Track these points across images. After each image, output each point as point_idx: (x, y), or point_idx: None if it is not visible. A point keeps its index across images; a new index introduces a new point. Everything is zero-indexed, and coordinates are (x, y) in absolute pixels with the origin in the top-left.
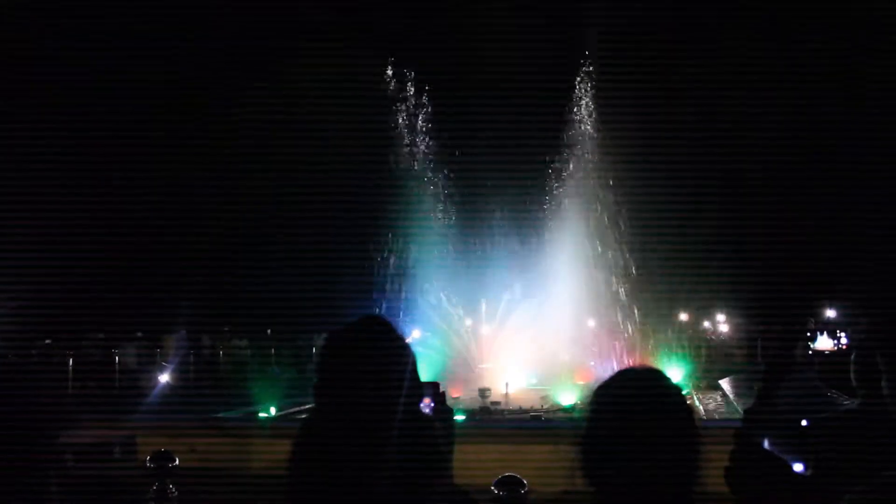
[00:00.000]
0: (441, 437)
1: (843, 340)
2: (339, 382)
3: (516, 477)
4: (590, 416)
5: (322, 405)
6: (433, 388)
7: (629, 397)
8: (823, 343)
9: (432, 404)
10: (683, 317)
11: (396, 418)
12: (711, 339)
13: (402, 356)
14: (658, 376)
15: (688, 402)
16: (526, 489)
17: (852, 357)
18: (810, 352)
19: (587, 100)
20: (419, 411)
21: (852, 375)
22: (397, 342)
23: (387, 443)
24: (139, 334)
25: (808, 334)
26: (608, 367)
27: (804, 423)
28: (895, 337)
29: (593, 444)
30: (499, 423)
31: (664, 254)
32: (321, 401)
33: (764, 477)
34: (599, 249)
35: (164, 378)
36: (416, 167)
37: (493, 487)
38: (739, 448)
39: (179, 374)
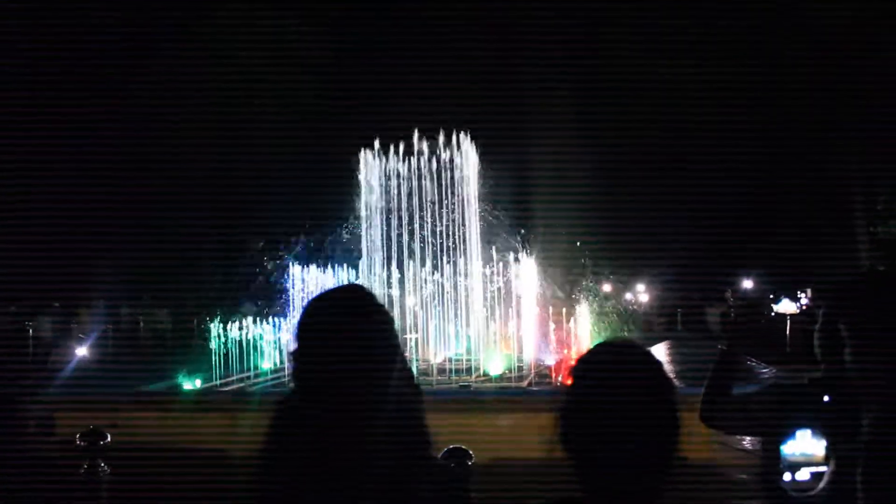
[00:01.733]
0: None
1: (804, 302)
2: (328, 351)
3: (463, 448)
4: (571, 388)
5: (308, 376)
6: (405, 367)
7: (610, 369)
8: (786, 306)
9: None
10: (606, 288)
11: (393, 388)
12: (633, 308)
13: (390, 324)
14: (636, 348)
15: (667, 373)
16: (473, 460)
17: (816, 328)
18: (773, 314)
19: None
20: (412, 382)
21: (816, 346)
22: (384, 312)
23: (382, 414)
24: (55, 305)
25: (772, 297)
26: (535, 339)
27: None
28: (858, 305)
29: (574, 417)
30: (427, 393)
31: (587, 226)
32: (306, 371)
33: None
34: (523, 222)
35: (82, 351)
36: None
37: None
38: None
39: (98, 347)
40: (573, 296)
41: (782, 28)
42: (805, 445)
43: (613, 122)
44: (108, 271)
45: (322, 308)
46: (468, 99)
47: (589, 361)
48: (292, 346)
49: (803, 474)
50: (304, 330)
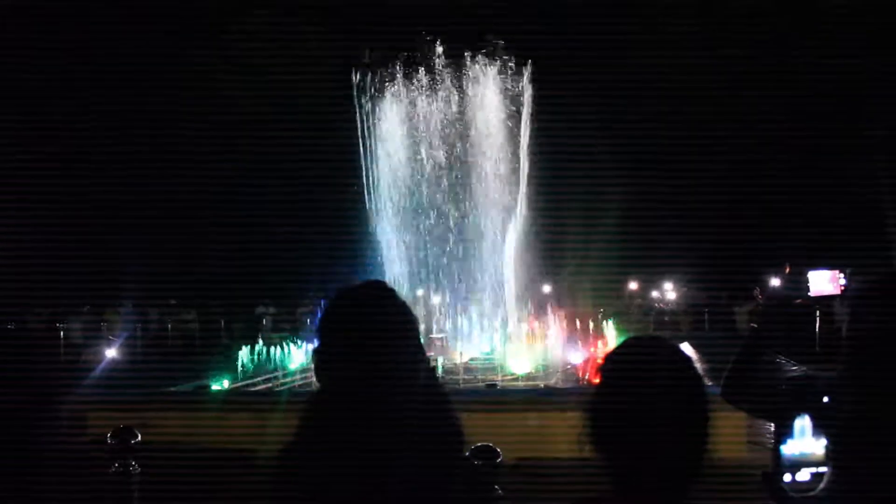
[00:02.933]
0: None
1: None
2: (349, 348)
3: (490, 446)
4: (599, 385)
5: (330, 373)
6: (427, 363)
7: (639, 366)
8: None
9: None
10: (633, 286)
11: (417, 383)
12: (660, 307)
13: (413, 320)
14: (665, 344)
15: (696, 368)
16: (500, 458)
17: (845, 326)
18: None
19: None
20: (435, 377)
21: (844, 344)
22: (405, 307)
23: (407, 411)
24: (86, 308)
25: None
26: (563, 338)
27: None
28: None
29: (603, 414)
30: (454, 391)
31: (613, 224)
32: (328, 369)
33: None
34: (549, 221)
35: (111, 352)
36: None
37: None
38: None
39: (127, 348)
40: (601, 296)
41: (810, 18)
42: (805, 445)
43: (637, 115)
44: (137, 273)
45: (343, 305)
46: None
47: (617, 358)
48: (315, 343)
49: (804, 475)
50: (326, 327)
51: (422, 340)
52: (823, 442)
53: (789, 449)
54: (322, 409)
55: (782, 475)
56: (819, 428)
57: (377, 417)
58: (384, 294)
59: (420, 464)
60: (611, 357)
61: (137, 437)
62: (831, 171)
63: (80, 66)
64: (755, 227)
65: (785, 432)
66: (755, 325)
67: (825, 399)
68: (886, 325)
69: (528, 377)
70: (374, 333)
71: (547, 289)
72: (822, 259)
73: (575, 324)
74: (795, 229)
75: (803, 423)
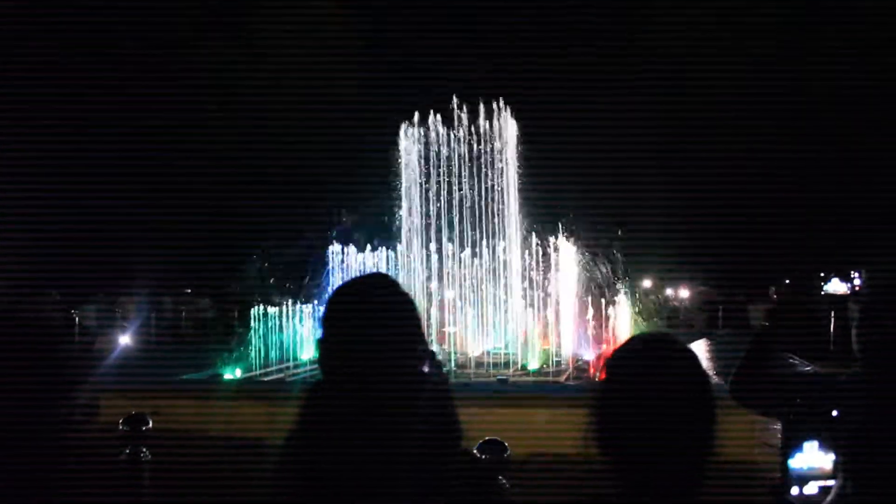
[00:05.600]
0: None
1: (857, 282)
2: (353, 339)
3: (497, 440)
4: (604, 382)
5: (332, 364)
6: (429, 355)
7: (644, 363)
8: (836, 286)
9: (427, 370)
10: (647, 284)
11: (416, 375)
12: (674, 305)
13: (414, 313)
14: (672, 341)
15: (703, 366)
16: (508, 452)
17: (855, 325)
18: (823, 295)
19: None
20: (439, 369)
21: (854, 341)
22: (407, 299)
23: (408, 401)
24: (100, 295)
25: (822, 275)
26: (575, 334)
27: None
28: None
29: (608, 411)
30: (465, 385)
31: (628, 222)
32: (330, 359)
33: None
34: (563, 217)
35: (125, 340)
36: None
37: (475, 451)
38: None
39: (140, 335)
40: (613, 290)
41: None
42: (814, 459)
43: (658, 119)
44: (152, 261)
45: (346, 296)
46: (511, 80)
47: (623, 354)
48: (318, 334)
49: (811, 488)
50: (329, 318)
51: (423, 333)
52: (832, 456)
53: (797, 462)
54: (322, 398)
55: (790, 488)
56: (828, 440)
57: (375, 408)
58: (386, 286)
59: (418, 455)
60: (616, 353)
61: (149, 423)
62: (850, 174)
63: (99, 54)
64: (773, 226)
65: (793, 445)
66: (765, 324)
67: (834, 413)
68: None
69: (540, 372)
70: (375, 324)
71: (561, 284)
72: (838, 260)
73: (587, 319)
74: (812, 229)
75: (812, 437)
